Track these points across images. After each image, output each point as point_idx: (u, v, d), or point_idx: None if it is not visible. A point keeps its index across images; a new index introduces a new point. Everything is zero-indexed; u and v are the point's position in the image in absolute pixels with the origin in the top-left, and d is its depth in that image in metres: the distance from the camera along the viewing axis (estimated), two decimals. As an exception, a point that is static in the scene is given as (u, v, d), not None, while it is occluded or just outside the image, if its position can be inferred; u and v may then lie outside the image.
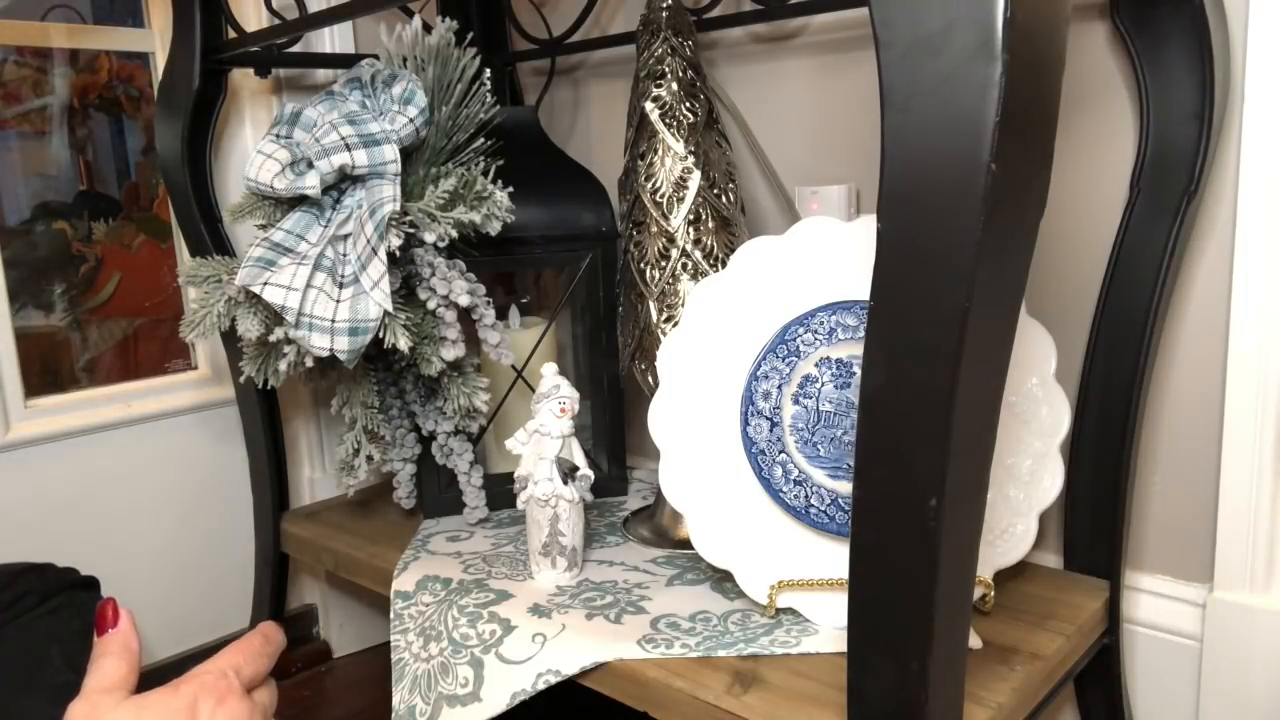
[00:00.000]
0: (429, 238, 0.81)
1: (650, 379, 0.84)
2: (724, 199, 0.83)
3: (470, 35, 0.87)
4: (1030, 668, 0.66)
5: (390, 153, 0.80)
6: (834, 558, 0.72)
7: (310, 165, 0.80)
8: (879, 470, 0.49)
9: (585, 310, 0.97)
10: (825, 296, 0.73)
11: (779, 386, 0.73)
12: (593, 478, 0.80)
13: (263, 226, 0.85)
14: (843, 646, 0.61)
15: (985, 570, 0.73)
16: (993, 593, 0.73)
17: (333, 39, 1.12)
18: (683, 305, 0.82)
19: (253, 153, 0.82)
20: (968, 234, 0.43)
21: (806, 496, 0.73)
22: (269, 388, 0.90)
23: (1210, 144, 0.70)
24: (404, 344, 0.79)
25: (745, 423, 0.73)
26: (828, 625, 0.71)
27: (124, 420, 1.04)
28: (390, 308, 0.77)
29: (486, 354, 0.87)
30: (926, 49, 0.42)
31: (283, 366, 0.83)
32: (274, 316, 0.80)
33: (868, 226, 0.71)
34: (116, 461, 1.04)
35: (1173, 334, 0.77)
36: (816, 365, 0.73)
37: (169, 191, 1.01)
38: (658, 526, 0.90)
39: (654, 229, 0.83)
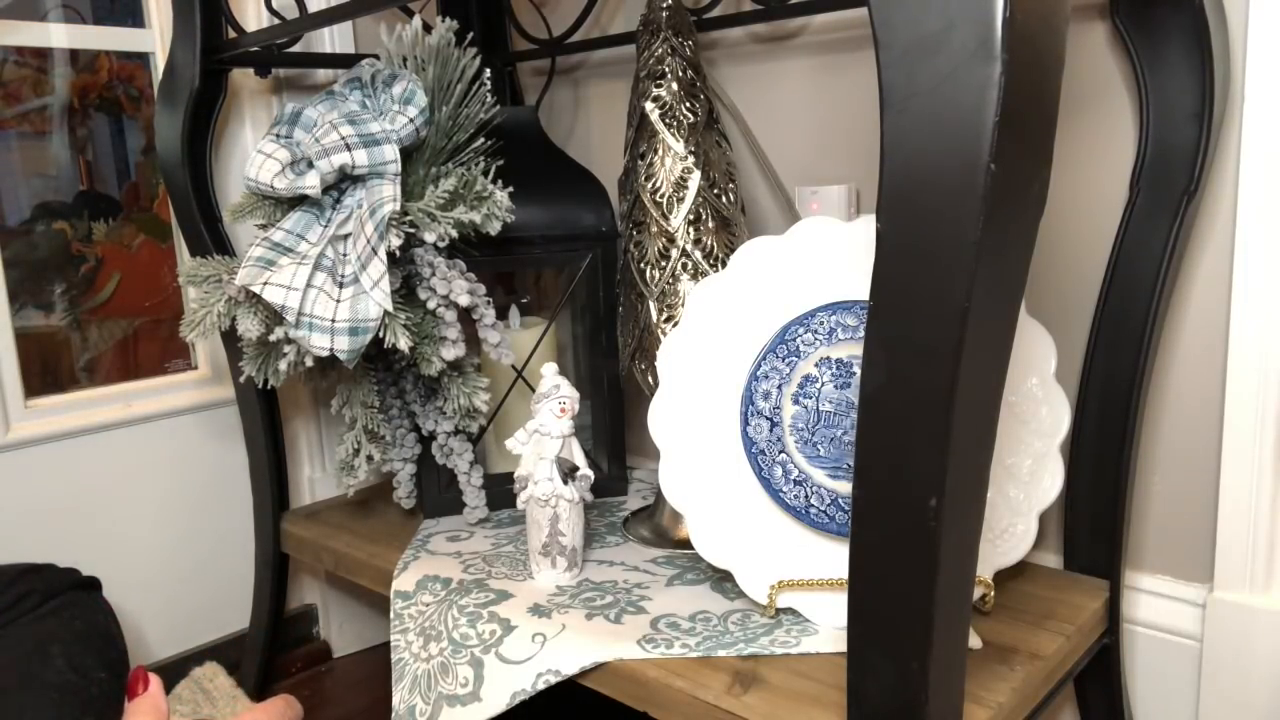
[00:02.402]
0: (429, 238, 0.81)
1: (650, 379, 0.84)
2: (724, 199, 0.83)
3: (470, 35, 0.87)
4: (1030, 668, 0.66)
5: (390, 153, 0.80)
6: (834, 558, 0.72)
7: (310, 165, 0.80)
8: (879, 470, 0.49)
9: (585, 310, 0.97)
10: (825, 296, 0.73)
11: (779, 386, 0.73)
12: (593, 478, 0.80)
13: (263, 226, 0.85)
14: (843, 646, 0.61)
15: (985, 570, 0.73)
16: (993, 593, 0.73)
17: (333, 39, 1.12)
18: (683, 305, 0.82)
19: (253, 152, 0.82)
20: (967, 234, 0.43)
21: (806, 496, 0.73)
22: (269, 388, 0.90)
23: (1210, 144, 0.70)
24: (404, 344, 0.79)
25: (745, 423, 0.74)
26: (828, 625, 0.71)
27: (124, 420, 1.04)
28: (390, 307, 0.78)
29: (486, 354, 0.87)
30: (926, 49, 0.42)
31: (283, 366, 0.83)
32: (274, 316, 0.80)
33: (868, 226, 0.71)
34: (116, 461, 1.04)
35: (1173, 334, 0.77)
36: (816, 365, 0.73)
37: (169, 191, 1.01)
38: (658, 526, 0.90)
39: (654, 229, 0.83)
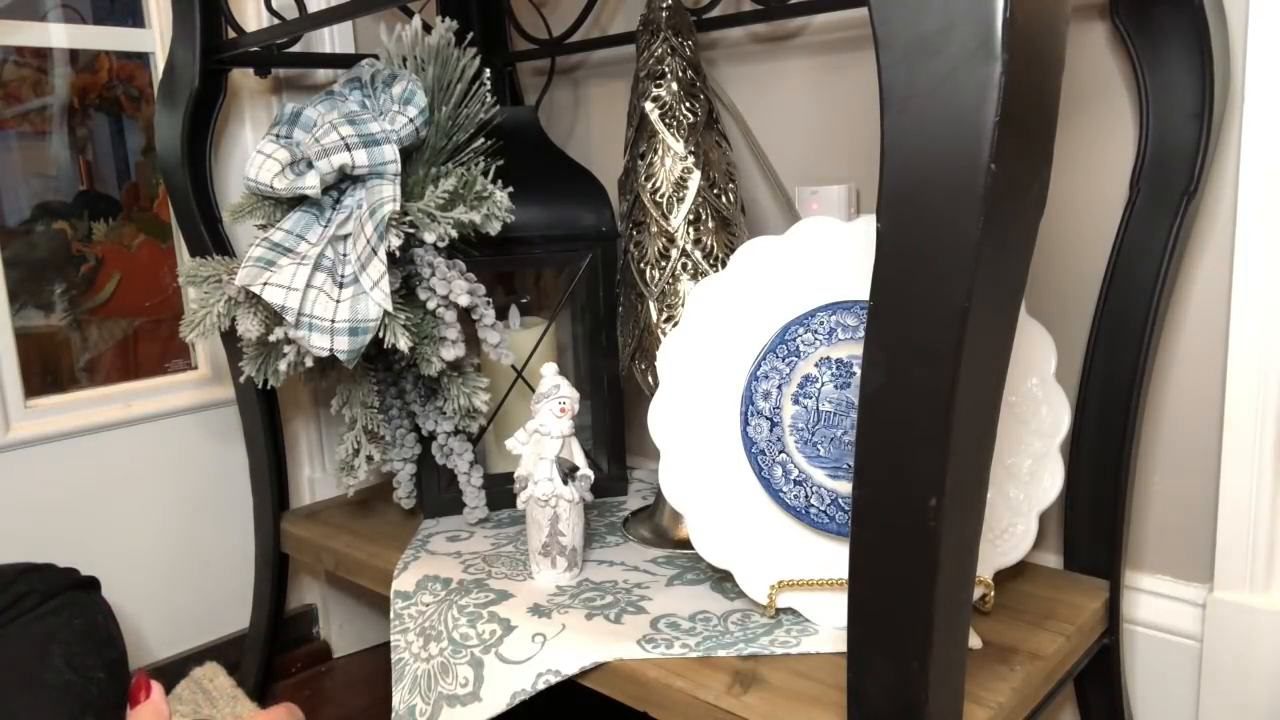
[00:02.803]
0: (429, 238, 0.81)
1: (650, 379, 0.84)
2: (724, 199, 0.83)
3: (470, 35, 0.87)
4: (1030, 668, 0.66)
5: (390, 153, 0.80)
6: (834, 558, 0.72)
7: (310, 165, 0.80)
8: (879, 470, 0.49)
9: (585, 310, 0.97)
10: (825, 296, 0.73)
11: (779, 386, 0.73)
12: (593, 478, 0.80)
13: (263, 226, 0.85)
14: (843, 646, 0.61)
15: (985, 570, 0.73)
16: (993, 593, 0.73)
17: (333, 39, 1.12)
18: (683, 305, 0.82)
19: (253, 153, 0.82)
20: (967, 234, 0.43)
21: (806, 496, 0.73)
22: (269, 388, 0.90)
23: (1210, 144, 0.70)
24: (404, 344, 0.79)
25: (745, 423, 0.73)
26: (828, 625, 0.71)
27: (124, 420, 1.04)
28: (390, 308, 0.78)
29: (486, 354, 0.87)
30: (926, 49, 0.42)
31: (283, 366, 0.83)
32: (274, 316, 0.80)
33: (868, 226, 0.71)
34: (116, 461, 1.04)
35: (1173, 334, 0.77)
36: (816, 365, 0.73)
37: (169, 191, 1.01)
38: (658, 526, 0.90)
39: (654, 229, 0.83)
